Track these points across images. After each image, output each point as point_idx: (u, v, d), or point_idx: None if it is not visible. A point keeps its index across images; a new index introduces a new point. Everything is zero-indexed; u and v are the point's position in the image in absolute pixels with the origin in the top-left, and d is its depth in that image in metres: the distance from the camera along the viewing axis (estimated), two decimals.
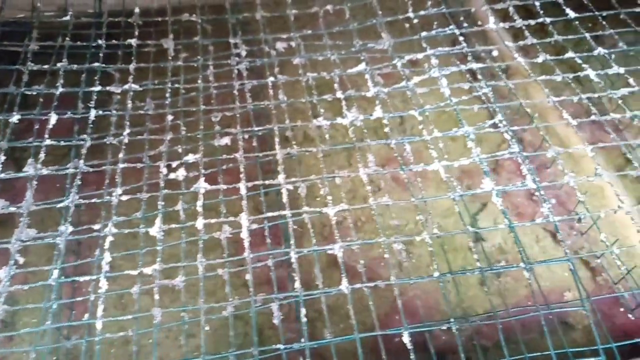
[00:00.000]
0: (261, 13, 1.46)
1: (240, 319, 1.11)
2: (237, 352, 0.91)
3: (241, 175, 1.11)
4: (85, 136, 1.18)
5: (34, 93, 1.25)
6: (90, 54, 1.35)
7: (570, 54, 1.30)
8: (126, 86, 1.28)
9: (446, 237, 1.21)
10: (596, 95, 1.23)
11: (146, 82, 1.31)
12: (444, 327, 0.91)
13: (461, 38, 1.36)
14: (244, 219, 1.03)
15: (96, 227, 1.07)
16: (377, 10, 1.46)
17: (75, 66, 1.30)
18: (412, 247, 1.22)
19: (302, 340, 0.91)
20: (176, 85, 1.31)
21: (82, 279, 1.00)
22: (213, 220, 1.05)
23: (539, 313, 0.92)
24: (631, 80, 1.24)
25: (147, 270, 0.99)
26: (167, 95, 1.28)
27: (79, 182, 1.11)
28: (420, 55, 1.33)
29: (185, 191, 1.12)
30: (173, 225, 1.06)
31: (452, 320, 0.91)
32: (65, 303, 1.10)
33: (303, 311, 0.92)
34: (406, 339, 0.88)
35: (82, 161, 1.13)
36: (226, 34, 1.43)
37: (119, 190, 1.09)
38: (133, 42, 1.38)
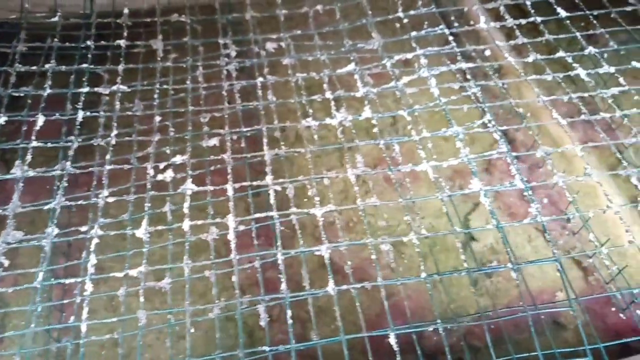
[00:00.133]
0: (251, 13, 1.46)
1: (232, 321, 1.10)
2: (223, 354, 0.90)
3: (228, 177, 1.10)
4: (72, 138, 1.17)
5: (22, 94, 1.25)
6: (79, 55, 1.34)
7: (561, 54, 1.29)
8: (114, 87, 1.27)
9: (438, 237, 1.21)
10: (587, 94, 1.23)
11: (135, 83, 1.30)
12: (431, 329, 0.90)
13: (451, 38, 1.36)
14: (230, 220, 1.03)
15: (83, 229, 1.06)
16: (368, 10, 1.46)
17: (63, 67, 1.29)
18: (405, 247, 1.22)
19: (293, 342, 0.90)
20: (165, 86, 1.30)
21: (67, 281, 0.99)
22: (200, 222, 1.04)
23: (526, 314, 0.91)
24: (621, 80, 1.23)
25: (133, 273, 0.98)
26: (156, 96, 1.28)
27: (67, 184, 1.11)
28: (410, 55, 1.33)
29: (172, 193, 1.11)
30: (160, 227, 1.05)
31: (439, 321, 0.90)
32: (56, 305, 1.09)
33: (289, 313, 0.92)
34: (392, 340, 0.87)
35: (69, 163, 1.13)
36: (216, 35, 1.42)
37: (105, 192, 1.09)
38: (122, 43, 1.37)
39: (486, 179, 1.33)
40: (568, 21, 1.37)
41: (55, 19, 1.42)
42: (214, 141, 1.20)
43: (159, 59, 1.36)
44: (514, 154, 1.16)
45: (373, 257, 0.97)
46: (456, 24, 1.40)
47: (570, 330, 1.10)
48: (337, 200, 1.29)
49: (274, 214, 1.03)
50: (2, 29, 1.41)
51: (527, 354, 0.88)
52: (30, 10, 1.46)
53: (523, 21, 1.38)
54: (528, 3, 1.41)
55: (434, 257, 1.18)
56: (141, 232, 1.02)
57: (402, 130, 1.42)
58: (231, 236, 1.01)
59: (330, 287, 0.93)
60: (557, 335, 1.09)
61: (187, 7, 1.48)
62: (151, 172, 1.13)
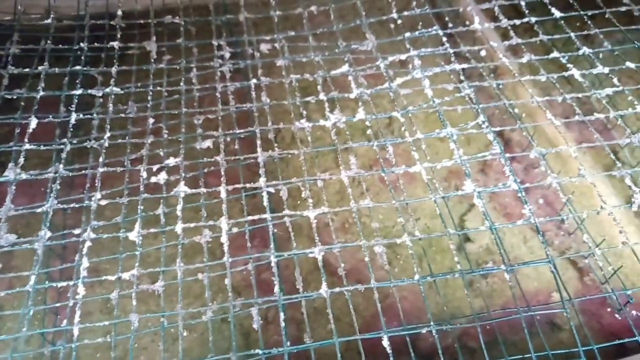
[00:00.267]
0: (245, 14, 1.45)
1: (227, 323, 1.10)
2: (215, 357, 0.90)
3: (222, 179, 1.10)
4: (65, 140, 1.17)
5: (14, 97, 1.25)
6: (72, 57, 1.34)
7: (555, 54, 1.29)
8: (108, 89, 1.27)
9: (434, 238, 1.21)
10: (581, 95, 1.22)
11: (129, 85, 1.30)
12: (424, 331, 0.90)
13: (445, 39, 1.35)
14: (224, 222, 1.02)
15: (77, 231, 1.06)
16: (362, 11, 1.45)
17: (57, 69, 1.29)
18: (400, 248, 1.21)
19: (288, 343, 0.90)
20: (159, 88, 1.30)
21: (59, 284, 0.99)
22: (192, 225, 1.04)
23: (519, 316, 0.91)
24: (615, 80, 1.23)
25: (126, 276, 0.98)
26: (149, 98, 1.27)
27: (60, 187, 1.10)
28: (404, 56, 1.32)
29: (166, 195, 1.11)
30: (153, 230, 1.05)
31: (431, 323, 0.90)
32: (51, 308, 1.09)
33: (282, 316, 0.92)
34: (385, 342, 0.87)
35: (61, 165, 1.12)
36: (210, 36, 1.42)
37: (98, 195, 1.08)
38: (116, 44, 1.37)
39: (482, 180, 1.32)
40: (563, 22, 1.36)
41: (49, 20, 1.42)
42: (208, 143, 1.19)
43: (152, 60, 1.36)
44: (508, 155, 1.15)
45: (366, 259, 0.97)
46: (451, 25, 1.40)
47: (566, 331, 1.09)
48: (332, 202, 1.28)
49: (267, 216, 1.03)
50: None
51: (521, 356, 0.87)
52: (23, 12, 1.46)
53: (518, 22, 1.37)
54: (523, 3, 1.41)
55: (430, 258, 1.18)
56: (134, 235, 1.02)
57: (398, 132, 1.41)
58: (224, 239, 1.00)
59: (324, 290, 0.92)
60: (554, 336, 1.09)
61: (181, 9, 1.48)
62: (144, 174, 1.12)
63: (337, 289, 0.93)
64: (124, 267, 1.01)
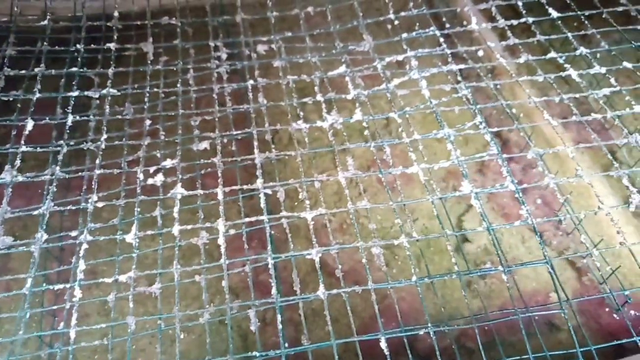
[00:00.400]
0: (242, 15, 1.45)
1: (225, 324, 1.10)
2: (213, 359, 0.90)
3: (219, 180, 1.10)
4: (62, 142, 1.16)
5: (11, 99, 1.24)
6: (69, 58, 1.34)
7: (552, 54, 1.29)
8: (105, 91, 1.26)
9: (431, 239, 1.20)
10: (578, 95, 1.22)
11: (125, 86, 1.30)
12: (422, 332, 0.90)
13: (442, 39, 1.35)
14: (221, 224, 1.02)
15: (73, 233, 1.05)
16: (359, 12, 1.45)
17: (53, 71, 1.29)
18: (398, 249, 1.21)
19: (286, 345, 0.90)
20: (155, 90, 1.30)
21: (56, 287, 0.98)
22: (189, 227, 1.04)
23: (517, 317, 0.90)
24: (613, 80, 1.23)
25: (123, 278, 0.98)
26: (146, 99, 1.27)
27: (57, 189, 1.10)
28: (401, 57, 1.32)
29: (162, 197, 1.10)
30: (149, 232, 1.05)
31: (429, 325, 0.89)
32: (48, 310, 1.08)
33: (279, 317, 0.91)
34: (383, 344, 0.87)
35: (58, 167, 1.12)
36: (207, 37, 1.42)
37: (95, 197, 1.08)
38: (112, 46, 1.36)
39: (479, 180, 1.32)
40: (560, 22, 1.36)
41: (45, 22, 1.41)
42: (205, 144, 1.19)
43: (149, 62, 1.35)
44: (506, 155, 1.15)
45: (364, 260, 0.96)
46: (448, 25, 1.40)
47: (565, 332, 1.09)
48: (330, 203, 1.28)
49: (265, 217, 1.02)
50: None
51: (519, 357, 0.87)
52: (19, 14, 1.45)
53: (515, 22, 1.37)
54: (520, 4, 1.41)
55: (428, 259, 1.18)
56: (131, 237, 1.01)
57: (395, 132, 1.41)
58: (221, 240, 1.00)
59: (321, 291, 0.92)
60: (552, 336, 1.09)
61: (178, 10, 1.48)
62: (141, 176, 1.12)
63: (334, 291, 0.93)
64: (121, 269, 1.00)
